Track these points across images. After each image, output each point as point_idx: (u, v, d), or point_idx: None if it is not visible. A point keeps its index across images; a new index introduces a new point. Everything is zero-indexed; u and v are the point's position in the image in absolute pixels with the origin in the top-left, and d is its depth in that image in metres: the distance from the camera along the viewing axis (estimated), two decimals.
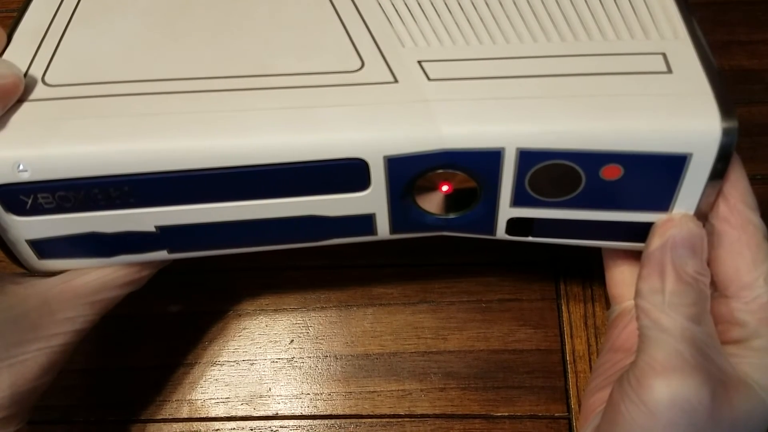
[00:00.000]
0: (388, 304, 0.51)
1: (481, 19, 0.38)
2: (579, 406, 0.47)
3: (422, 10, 0.39)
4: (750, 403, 0.34)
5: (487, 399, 0.47)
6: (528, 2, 0.39)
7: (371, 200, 0.37)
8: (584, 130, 0.34)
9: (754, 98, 0.57)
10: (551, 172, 0.35)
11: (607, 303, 0.50)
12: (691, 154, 0.33)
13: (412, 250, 0.51)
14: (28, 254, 0.39)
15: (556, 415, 0.47)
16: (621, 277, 0.43)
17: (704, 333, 0.35)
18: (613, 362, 0.41)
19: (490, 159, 0.35)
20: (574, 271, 0.51)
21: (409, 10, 0.39)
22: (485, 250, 0.51)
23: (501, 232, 0.39)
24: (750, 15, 0.60)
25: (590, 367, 0.48)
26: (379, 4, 0.40)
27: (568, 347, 0.49)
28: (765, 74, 0.57)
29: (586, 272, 0.51)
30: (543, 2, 0.39)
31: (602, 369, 0.41)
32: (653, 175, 0.35)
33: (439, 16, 0.39)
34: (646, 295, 0.35)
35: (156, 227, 0.38)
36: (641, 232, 0.37)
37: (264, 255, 0.42)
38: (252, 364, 0.50)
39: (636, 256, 0.40)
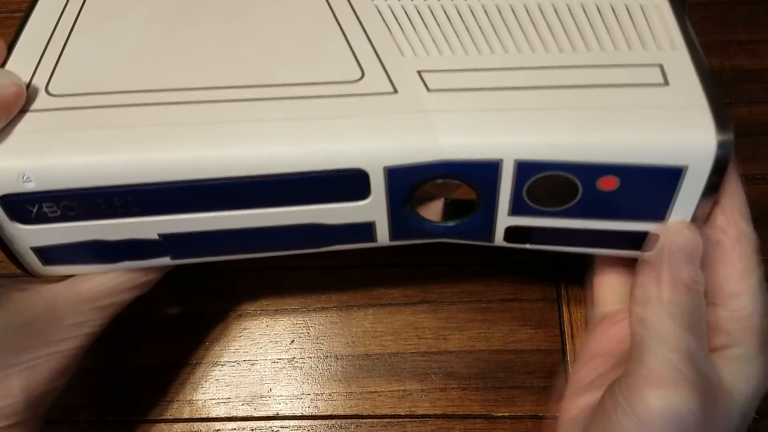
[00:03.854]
0: (388, 304, 0.52)
1: (480, 29, 0.39)
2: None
3: (422, 20, 0.39)
4: (729, 409, 0.35)
5: (488, 399, 0.48)
6: (527, 13, 0.39)
7: (371, 209, 0.37)
8: (581, 142, 0.34)
9: (754, 98, 0.57)
10: (549, 183, 0.35)
11: None
12: (686, 167, 0.34)
13: (413, 250, 0.51)
14: (33, 260, 0.39)
15: (557, 415, 0.47)
16: (608, 284, 0.44)
17: (697, 342, 0.35)
18: (593, 367, 0.41)
19: (489, 170, 0.35)
20: (574, 271, 0.51)
21: (410, 20, 0.39)
22: (486, 251, 0.52)
23: (499, 240, 0.39)
24: (750, 15, 0.59)
25: None
26: (380, 14, 0.40)
27: (568, 347, 0.49)
28: (765, 74, 0.57)
29: (587, 272, 0.51)
30: (542, 13, 0.39)
31: (582, 375, 0.41)
32: (649, 187, 0.35)
33: (439, 26, 0.39)
34: (641, 302, 0.36)
35: (159, 235, 0.38)
36: (638, 240, 0.38)
37: (265, 256, 0.42)
38: (253, 365, 0.50)
39: (625, 263, 0.41)
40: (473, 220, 0.38)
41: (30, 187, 0.35)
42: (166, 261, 0.40)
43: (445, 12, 0.39)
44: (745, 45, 0.58)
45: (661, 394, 0.33)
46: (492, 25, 0.39)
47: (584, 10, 0.39)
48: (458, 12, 0.39)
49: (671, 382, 0.33)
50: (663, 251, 0.36)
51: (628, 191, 0.35)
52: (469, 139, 0.35)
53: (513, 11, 0.39)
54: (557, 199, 0.36)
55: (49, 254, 0.39)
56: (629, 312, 0.37)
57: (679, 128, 0.34)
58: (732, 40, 0.59)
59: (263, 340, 0.51)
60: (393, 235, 0.39)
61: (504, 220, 0.38)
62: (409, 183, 0.36)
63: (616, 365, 0.40)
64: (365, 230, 0.39)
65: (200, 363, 0.50)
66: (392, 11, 0.40)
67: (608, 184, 0.35)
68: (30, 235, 0.38)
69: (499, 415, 0.48)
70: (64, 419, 0.49)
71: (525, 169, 0.35)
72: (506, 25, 0.39)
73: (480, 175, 0.36)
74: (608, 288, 0.43)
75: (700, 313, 0.36)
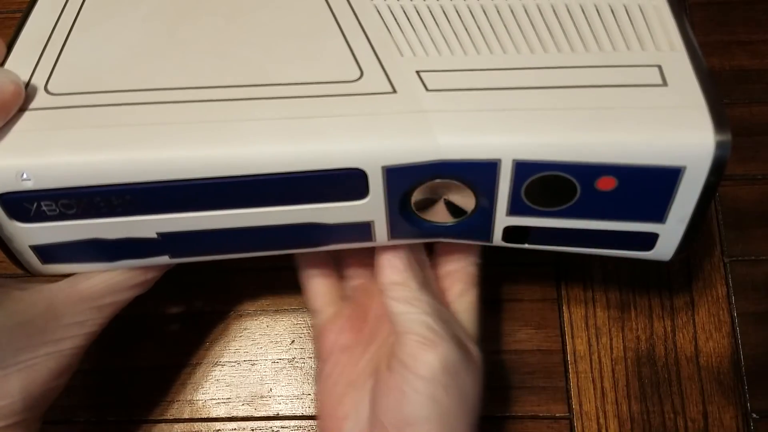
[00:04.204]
0: None
1: (479, 29, 0.39)
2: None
3: (421, 20, 0.39)
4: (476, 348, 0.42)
5: (488, 399, 0.47)
6: (526, 13, 0.39)
7: (370, 208, 0.37)
8: (579, 142, 0.34)
9: (754, 98, 0.56)
10: (547, 183, 0.35)
11: (608, 303, 0.50)
12: (684, 167, 0.34)
13: None
14: (32, 259, 0.39)
15: (557, 415, 0.47)
16: (320, 290, 0.47)
17: (440, 307, 0.42)
18: (342, 367, 0.44)
19: (487, 170, 0.35)
20: (574, 271, 0.51)
21: (409, 20, 0.39)
22: (486, 250, 0.52)
23: (498, 240, 0.39)
24: (750, 15, 0.59)
25: (591, 368, 0.48)
26: (379, 14, 0.40)
27: (569, 347, 0.49)
28: (765, 74, 0.57)
29: (587, 273, 0.51)
30: (541, 13, 0.39)
31: (334, 376, 0.44)
32: (647, 187, 0.35)
33: (437, 26, 0.39)
34: (392, 288, 0.41)
35: (157, 233, 0.38)
36: (636, 240, 0.38)
37: (264, 256, 0.42)
38: (253, 365, 0.50)
39: (329, 267, 0.47)
40: (471, 220, 0.38)
41: (28, 185, 0.35)
42: (164, 260, 0.40)
43: (444, 12, 0.39)
44: (745, 45, 0.58)
45: (436, 353, 0.38)
46: (491, 26, 0.39)
47: (583, 10, 0.39)
48: (457, 12, 0.39)
49: (441, 341, 0.39)
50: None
51: (626, 191, 0.35)
52: (467, 139, 0.35)
53: (512, 12, 0.39)
54: (555, 199, 0.36)
55: (47, 253, 0.39)
56: (385, 298, 0.41)
57: (677, 129, 0.34)
58: (732, 40, 0.59)
59: (263, 341, 0.51)
60: (391, 234, 0.39)
61: (502, 219, 0.38)
62: (407, 182, 0.36)
63: (362, 358, 0.44)
64: (364, 229, 0.39)
65: (200, 363, 0.50)
66: (391, 11, 0.40)
67: (606, 184, 0.35)
68: (29, 234, 0.38)
69: (499, 415, 0.48)
70: (65, 419, 0.49)
71: (523, 169, 0.35)
72: (505, 26, 0.39)
73: (478, 175, 0.36)
74: (321, 295, 0.47)
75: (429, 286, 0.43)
